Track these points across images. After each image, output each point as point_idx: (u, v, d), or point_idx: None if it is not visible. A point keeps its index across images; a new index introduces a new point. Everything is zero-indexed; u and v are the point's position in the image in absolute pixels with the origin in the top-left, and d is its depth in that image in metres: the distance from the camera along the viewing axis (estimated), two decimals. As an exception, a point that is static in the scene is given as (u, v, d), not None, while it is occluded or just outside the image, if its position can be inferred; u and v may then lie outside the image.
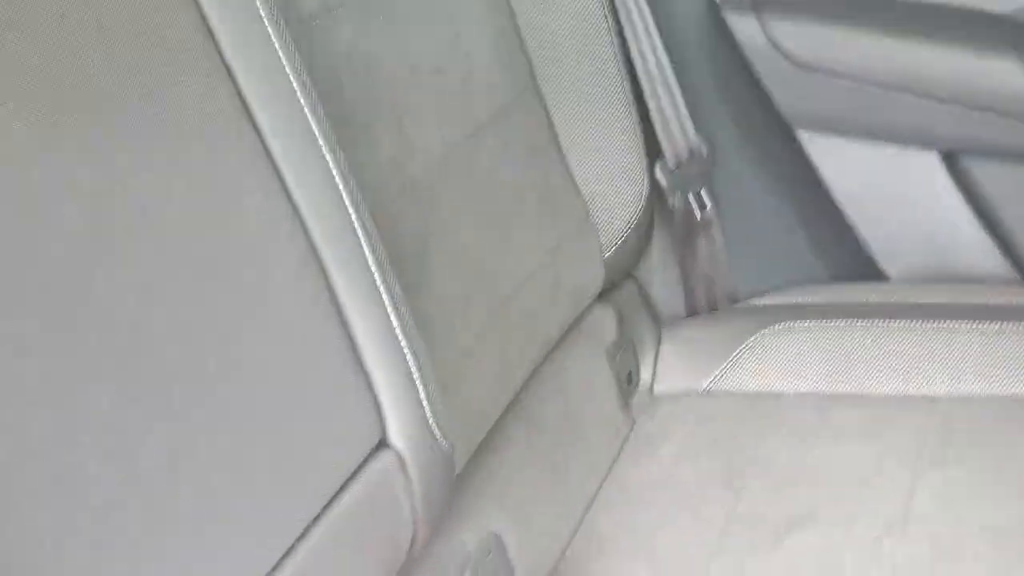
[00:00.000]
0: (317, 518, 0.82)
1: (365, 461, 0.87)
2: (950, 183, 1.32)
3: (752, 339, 1.31)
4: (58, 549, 0.65)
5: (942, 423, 1.16)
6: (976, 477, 1.09)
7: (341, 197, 0.86)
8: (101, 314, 0.68)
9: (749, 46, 1.32)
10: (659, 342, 1.38)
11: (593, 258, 1.28)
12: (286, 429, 0.79)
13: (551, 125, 1.26)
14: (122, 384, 0.69)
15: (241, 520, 0.76)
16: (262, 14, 0.83)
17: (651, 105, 1.31)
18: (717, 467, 1.19)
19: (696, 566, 1.07)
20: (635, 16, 1.29)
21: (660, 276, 1.41)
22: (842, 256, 1.42)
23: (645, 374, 1.35)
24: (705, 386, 1.32)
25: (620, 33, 1.29)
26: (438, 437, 0.93)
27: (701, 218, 1.37)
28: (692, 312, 1.41)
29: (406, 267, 0.98)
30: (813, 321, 1.31)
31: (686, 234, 1.37)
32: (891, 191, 1.36)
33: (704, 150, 1.36)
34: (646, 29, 1.30)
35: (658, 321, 1.40)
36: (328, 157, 0.85)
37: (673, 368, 1.35)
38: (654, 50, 1.31)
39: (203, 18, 0.79)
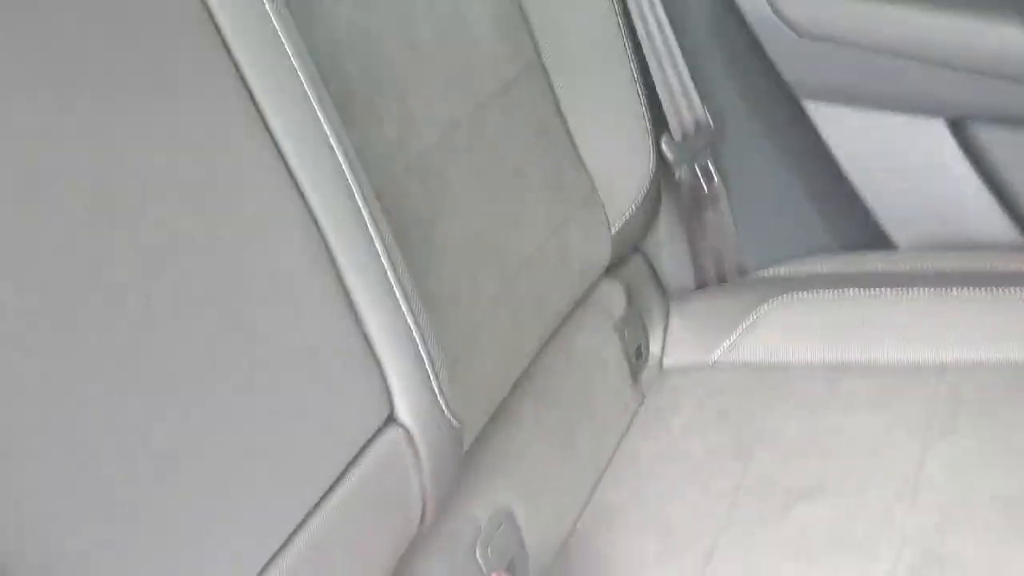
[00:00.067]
0: (326, 494, 0.82)
1: (373, 437, 0.87)
2: (957, 150, 1.31)
3: (761, 310, 1.31)
4: (68, 518, 0.66)
5: (952, 391, 1.16)
6: (986, 446, 1.09)
7: (344, 175, 0.86)
8: (107, 290, 0.69)
9: (754, 17, 1.31)
10: (668, 315, 1.37)
11: (600, 233, 1.27)
12: (293, 406, 0.80)
13: (556, 100, 1.26)
14: (129, 361, 0.69)
15: (251, 496, 0.76)
16: (261, -8, 0.83)
17: (656, 78, 1.30)
18: (726, 439, 1.19)
19: (706, 537, 1.07)
20: (639, -12, 1.29)
21: (668, 250, 1.41)
22: (850, 225, 1.41)
23: (654, 348, 1.35)
24: (714, 358, 1.32)
25: (624, 6, 1.29)
26: (446, 413, 0.93)
27: (708, 191, 1.36)
28: (700, 285, 1.41)
29: (412, 243, 0.98)
30: (822, 291, 1.31)
31: (693, 207, 1.37)
32: (898, 159, 1.35)
33: (710, 122, 1.35)
34: (651, 1, 1.29)
35: (666, 295, 1.40)
36: (330, 135, 0.86)
37: (682, 341, 1.35)
38: (659, 23, 1.31)
39: (202, -4, 0.79)
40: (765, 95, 1.37)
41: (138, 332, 0.70)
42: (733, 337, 1.31)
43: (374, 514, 0.88)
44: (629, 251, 1.37)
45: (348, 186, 0.87)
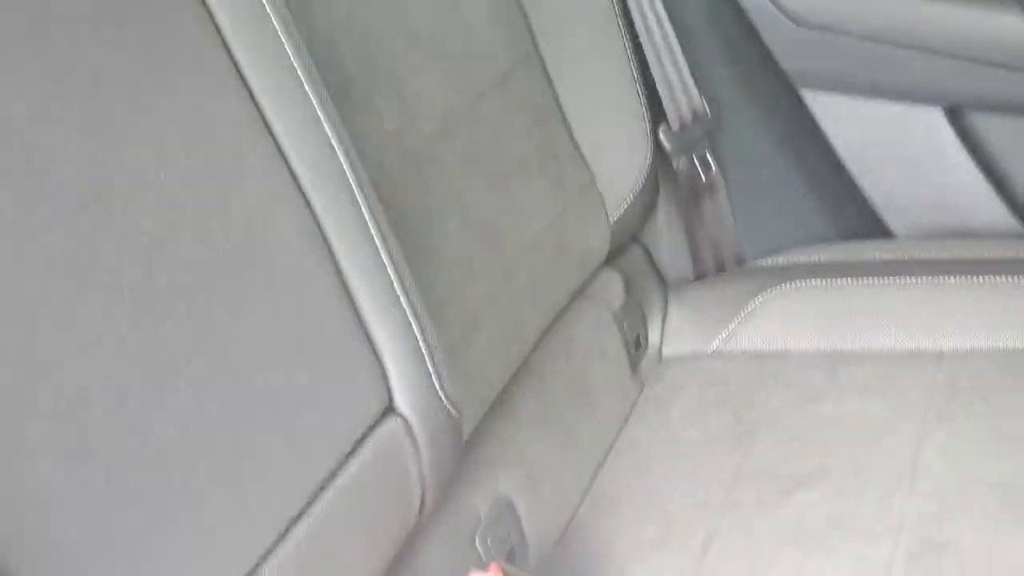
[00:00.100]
0: (325, 484, 0.83)
1: (372, 427, 0.88)
2: (955, 139, 1.32)
3: (759, 299, 1.32)
4: (68, 506, 0.66)
5: (949, 379, 1.17)
6: (983, 433, 1.09)
7: (341, 166, 0.87)
8: (103, 279, 0.69)
9: (751, 5, 1.31)
10: (666, 305, 1.38)
11: (599, 222, 1.28)
12: (291, 396, 0.80)
13: (553, 90, 1.26)
14: (128, 348, 0.70)
15: (250, 486, 0.77)
16: (257, -17, 0.83)
17: (654, 68, 1.31)
18: (726, 427, 1.19)
19: (704, 525, 1.08)
20: (636, -23, 1.29)
21: (666, 240, 1.41)
22: (848, 214, 1.42)
23: (653, 337, 1.36)
24: (713, 347, 1.32)
25: (621, -6, 1.29)
26: (445, 402, 0.93)
27: (706, 180, 1.37)
28: (699, 275, 1.41)
29: (410, 234, 0.99)
30: (820, 280, 1.31)
31: (691, 197, 1.37)
32: (896, 148, 1.35)
33: (708, 112, 1.36)
34: (648, -9, 1.30)
35: (665, 284, 1.40)
36: (327, 127, 0.86)
37: (681, 331, 1.36)
38: (656, 13, 1.31)
39: (199, -11, 0.79)
40: (762, 84, 1.37)
41: (135, 321, 0.71)
42: (732, 326, 1.32)
43: (373, 504, 0.88)
44: (627, 241, 1.37)
45: (346, 177, 0.87)
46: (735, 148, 1.39)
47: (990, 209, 1.34)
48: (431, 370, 0.92)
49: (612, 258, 1.33)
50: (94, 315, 0.69)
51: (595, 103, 1.28)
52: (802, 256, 1.39)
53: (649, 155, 1.31)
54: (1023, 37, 1.23)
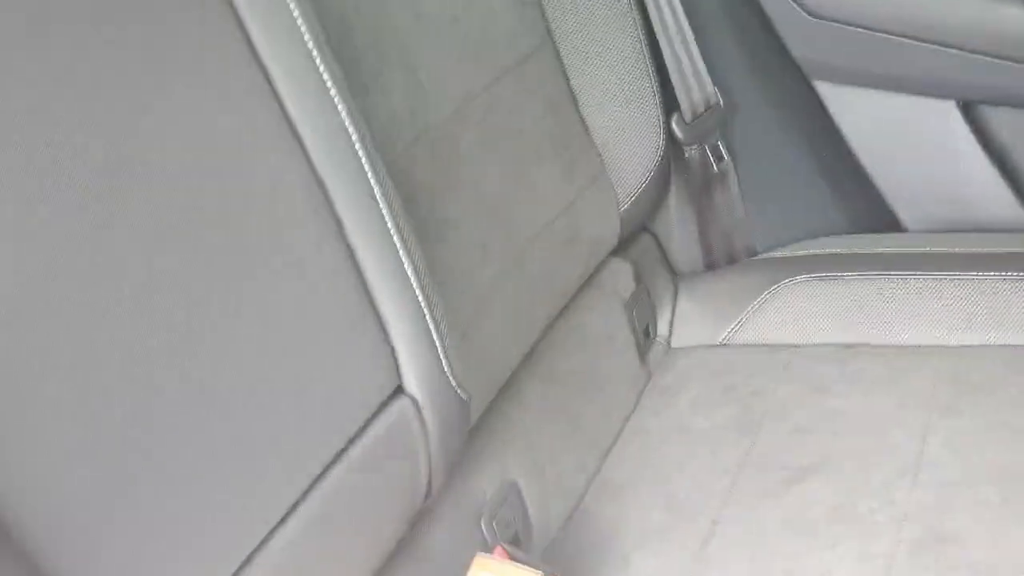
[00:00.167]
0: (334, 461, 0.84)
1: (381, 407, 0.88)
2: (968, 133, 1.32)
3: (769, 291, 1.32)
4: (81, 467, 0.67)
5: (956, 373, 1.17)
6: (988, 426, 1.10)
7: (354, 147, 0.87)
8: (114, 258, 0.70)
9: (766, -3, 1.32)
10: (676, 295, 1.38)
11: (610, 211, 1.28)
12: (301, 374, 0.81)
13: (567, 78, 1.26)
14: (142, 316, 0.71)
15: (258, 463, 0.78)
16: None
17: (667, 58, 1.31)
18: (733, 417, 1.20)
19: (709, 512, 1.08)
20: (651, -33, 1.29)
21: (677, 230, 1.41)
22: (860, 207, 1.42)
23: (662, 327, 1.36)
24: (722, 338, 1.32)
25: (636, -16, 1.29)
26: (454, 385, 0.94)
27: (718, 170, 1.37)
28: (709, 265, 1.42)
29: (422, 216, 0.99)
30: (830, 272, 1.31)
31: (703, 187, 1.38)
32: (909, 141, 1.35)
33: (721, 102, 1.36)
34: (662, -20, 1.30)
35: (675, 274, 1.41)
36: (340, 107, 0.86)
37: (690, 321, 1.36)
38: (670, 2, 1.31)
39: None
40: (776, 75, 1.37)
41: (145, 299, 0.71)
42: (741, 318, 1.32)
43: (381, 482, 0.89)
44: (638, 230, 1.38)
45: (359, 158, 0.87)
46: (747, 139, 1.39)
47: (1002, 204, 1.34)
48: (441, 352, 0.93)
49: (622, 247, 1.34)
50: (113, 277, 0.69)
51: (608, 91, 1.28)
52: (813, 248, 1.39)
53: (661, 144, 1.31)
54: (1036, 32, 1.23)
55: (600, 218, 1.27)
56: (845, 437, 1.13)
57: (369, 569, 0.90)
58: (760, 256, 1.42)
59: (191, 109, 0.76)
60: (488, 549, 1.00)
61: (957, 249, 1.31)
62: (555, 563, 1.02)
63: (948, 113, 1.32)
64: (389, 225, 0.89)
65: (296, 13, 0.84)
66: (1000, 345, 1.19)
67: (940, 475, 1.06)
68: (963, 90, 1.31)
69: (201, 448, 0.74)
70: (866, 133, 1.37)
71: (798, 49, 1.33)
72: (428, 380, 0.92)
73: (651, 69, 1.29)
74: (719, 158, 1.37)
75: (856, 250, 1.36)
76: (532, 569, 0.94)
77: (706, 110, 1.34)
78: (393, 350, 0.90)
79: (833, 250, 1.38)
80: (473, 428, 1.04)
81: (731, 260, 1.41)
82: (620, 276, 1.33)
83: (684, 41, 1.31)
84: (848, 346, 1.25)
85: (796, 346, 1.28)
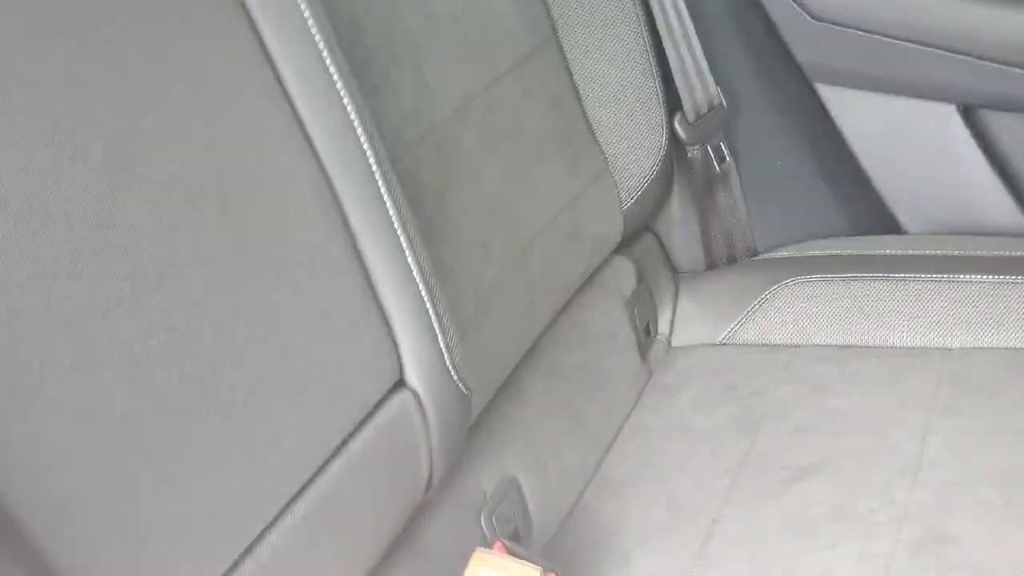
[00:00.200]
0: (335, 454, 0.84)
1: (383, 400, 0.89)
2: (968, 137, 1.32)
3: (770, 291, 1.32)
4: (83, 463, 0.67)
5: (955, 374, 1.17)
6: (988, 427, 1.10)
7: (360, 142, 0.88)
8: (125, 242, 0.70)
9: (770, -1, 1.32)
10: (677, 294, 1.39)
11: (612, 209, 1.29)
12: (304, 365, 0.81)
13: (571, 76, 1.27)
14: (145, 312, 0.71)
15: (261, 451, 0.78)
16: (281, -42, 0.84)
17: (671, 58, 1.31)
18: (733, 416, 1.20)
19: (709, 510, 1.09)
20: (655, -32, 1.29)
21: (679, 229, 1.41)
22: (860, 209, 1.42)
23: (663, 326, 1.37)
24: (723, 338, 1.33)
25: (641, -15, 1.30)
26: (455, 379, 0.94)
27: (720, 171, 1.37)
28: (710, 265, 1.42)
29: (425, 212, 0.99)
30: (830, 274, 1.32)
31: (705, 187, 1.38)
32: (910, 145, 1.36)
33: (724, 103, 1.36)
34: (666, -20, 1.30)
35: (676, 273, 1.41)
36: (347, 102, 0.87)
37: (691, 320, 1.37)
38: (675, 3, 1.31)
39: (223, -38, 0.80)
40: (779, 77, 1.38)
41: (153, 284, 0.72)
42: (741, 317, 1.32)
43: (382, 475, 0.89)
44: (640, 229, 1.38)
45: (364, 153, 0.88)
46: (750, 140, 1.40)
47: (1001, 208, 1.34)
48: (443, 346, 0.93)
49: (624, 246, 1.34)
50: (114, 277, 0.70)
51: (612, 90, 1.28)
52: (813, 249, 1.39)
53: (664, 144, 1.32)
54: (1040, 37, 1.23)
55: (603, 215, 1.27)
56: (845, 437, 1.13)
57: (369, 563, 0.90)
58: (761, 256, 1.42)
59: (195, 108, 0.76)
60: (488, 544, 1.00)
61: (957, 252, 1.32)
62: (555, 560, 1.02)
63: (949, 117, 1.33)
64: (394, 220, 0.89)
65: (307, 14, 0.84)
66: (1001, 348, 1.20)
67: (940, 475, 1.06)
68: (964, 94, 1.31)
69: (202, 441, 0.74)
70: (867, 136, 1.38)
71: (801, 51, 1.34)
72: (430, 373, 0.92)
73: (655, 69, 1.30)
74: (721, 158, 1.37)
75: (856, 251, 1.37)
76: (532, 565, 0.94)
77: (709, 110, 1.35)
78: (395, 343, 0.90)
79: (833, 251, 1.38)
80: (474, 424, 1.04)
81: (732, 260, 1.42)
82: (622, 274, 1.33)
83: (688, 41, 1.32)
84: (848, 347, 1.26)
85: (796, 346, 1.28)
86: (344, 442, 0.85)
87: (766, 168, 1.42)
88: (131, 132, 0.72)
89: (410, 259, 0.90)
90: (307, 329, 0.82)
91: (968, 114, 1.32)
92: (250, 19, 0.82)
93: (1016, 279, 1.24)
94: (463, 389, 0.95)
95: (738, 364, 1.28)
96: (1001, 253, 1.30)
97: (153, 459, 0.71)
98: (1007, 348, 1.20)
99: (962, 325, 1.23)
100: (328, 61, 0.86)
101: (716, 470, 1.13)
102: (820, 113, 1.37)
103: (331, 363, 0.84)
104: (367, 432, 0.87)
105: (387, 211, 0.89)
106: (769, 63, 1.38)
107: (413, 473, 0.93)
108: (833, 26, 1.31)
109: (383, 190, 0.89)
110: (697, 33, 1.33)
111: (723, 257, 1.41)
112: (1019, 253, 1.29)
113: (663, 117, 1.31)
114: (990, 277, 1.25)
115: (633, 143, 1.29)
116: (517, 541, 1.06)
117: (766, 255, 1.42)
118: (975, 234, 1.35)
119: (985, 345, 1.21)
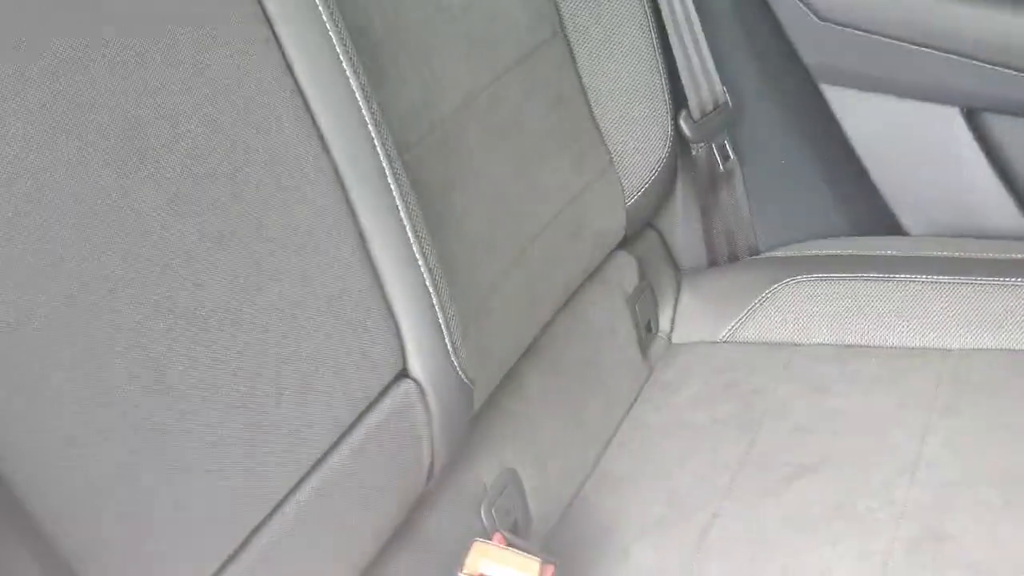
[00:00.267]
0: (337, 442, 0.84)
1: (385, 390, 0.89)
2: (971, 139, 1.32)
3: (771, 290, 1.33)
4: (88, 450, 0.67)
5: (955, 374, 1.18)
6: (987, 427, 1.10)
7: (368, 132, 0.88)
8: (132, 221, 0.70)
9: (777, -1, 1.32)
10: (678, 292, 1.39)
11: (616, 205, 1.29)
12: (307, 353, 0.81)
13: (577, 72, 1.27)
14: (151, 298, 0.71)
15: (264, 438, 0.78)
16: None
17: (677, 56, 1.31)
18: (733, 413, 1.20)
19: (708, 507, 1.09)
20: (663, -34, 1.30)
21: (681, 226, 1.42)
22: (862, 210, 1.43)
23: (664, 323, 1.37)
24: (723, 335, 1.33)
25: (648, -18, 1.30)
26: (458, 370, 0.94)
27: (724, 169, 1.38)
28: (712, 263, 1.42)
29: (431, 204, 1.00)
30: (832, 273, 1.32)
31: (709, 185, 1.38)
32: (913, 147, 1.36)
33: (729, 101, 1.37)
34: (674, -21, 1.31)
35: (678, 271, 1.41)
36: (357, 92, 0.87)
37: (692, 318, 1.37)
38: (683, 1, 1.32)
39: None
40: (784, 77, 1.38)
41: (159, 271, 0.72)
42: (743, 315, 1.33)
43: (384, 464, 0.89)
44: (643, 226, 1.38)
45: (372, 143, 0.88)
46: (754, 139, 1.40)
47: (1003, 211, 1.35)
48: (446, 338, 0.93)
49: (627, 242, 1.34)
50: (119, 263, 0.70)
51: (618, 87, 1.28)
52: (815, 249, 1.40)
53: (668, 141, 1.32)
54: (1044, 41, 1.24)
55: (607, 211, 1.28)
56: (845, 436, 1.14)
57: (370, 552, 0.90)
58: (763, 255, 1.42)
59: (204, 94, 0.77)
60: (488, 536, 1.00)
61: (958, 254, 1.32)
62: (554, 553, 1.02)
63: (952, 119, 1.33)
64: (400, 211, 0.89)
65: (320, 5, 0.84)
66: (1001, 349, 1.20)
67: (939, 475, 1.06)
68: (968, 97, 1.32)
69: (205, 427, 0.74)
70: (870, 137, 1.38)
71: (806, 52, 1.34)
72: (433, 365, 0.93)
73: (661, 66, 1.30)
74: (725, 157, 1.37)
75: (858, 252, 1.37)
76: (531, 556, 0.94)
77: (714, 109, 1.35)
78: (400, 334, 0.91)
79: (835, 251, 1.39)
80: (475, 417, 1.04)
81: (734, 258, 1.42)
82: (625, 270, 1.33)
83: (695, 40, 1.32)
84: (848, 346, 1.26)
85: (796, 345, 1.29)
86: (347, 431, 0.85)
87: (769, 167, 1.42)
88: (142, 112, 0.72)
89: (416, 250, 0.91)
90: (312, 317, 0.82)
91: (971, 117, 1.32)
92: (262, 6, 0.82)
93: (1017, 281, 1.24)
94: (465, 380, 0.96)
95: (739, 362, 1.29)
96: (1002, 256, 1.30)
97: (158, 446, 0.71)
98: (1008, 350, 1.20)
99: (962, 326, 1.23)
100: (338, 49, 0.86)
101: (716, 467, 1.14)
102: (824, 113, 1.38)
103: (335, 352, 0.84)
104: (370, 421, 0.87)
105: (394, 202, 0.89)
106: (774, 63, 1.38)
107: (415, 462, 0.93)
108: (839, 27, 1.31)
109: (391, 182, 0.89)
110: (703, 31, 1.33)
111: (725, 255, 1.42)
112: (1020, 256, 1.29)
113: (668, 114, 1.31)
114: (991, 279, 1.25)
115: (638, 140, 1.30)
116: (516, 534, 1.06)
117: (768, 254, 1.42)
118: (977, 236, 1.36)
119: (985, 346, 1.21)
